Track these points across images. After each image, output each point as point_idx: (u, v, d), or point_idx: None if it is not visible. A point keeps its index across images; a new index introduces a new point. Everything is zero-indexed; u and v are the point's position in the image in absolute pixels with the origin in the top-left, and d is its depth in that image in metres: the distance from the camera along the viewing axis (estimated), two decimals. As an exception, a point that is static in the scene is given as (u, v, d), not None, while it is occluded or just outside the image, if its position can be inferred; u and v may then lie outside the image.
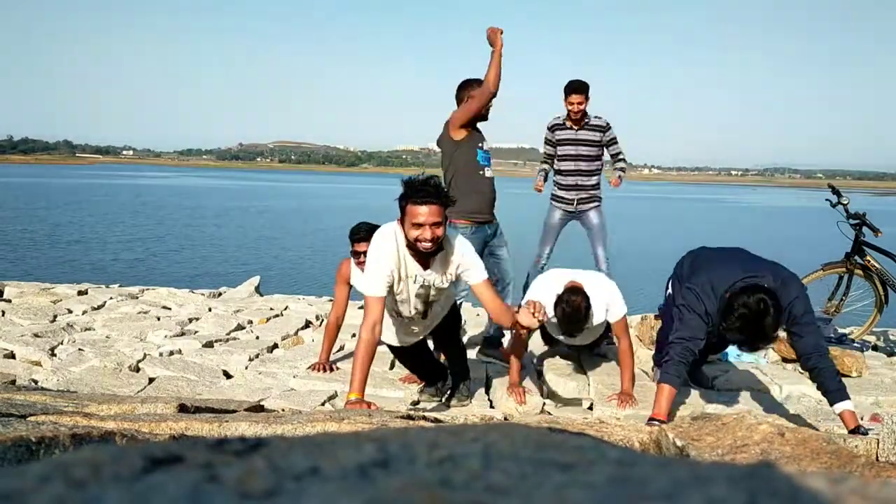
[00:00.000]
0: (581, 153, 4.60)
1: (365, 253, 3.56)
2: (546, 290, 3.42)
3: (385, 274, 2.82)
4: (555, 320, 3.49)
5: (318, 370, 3.79)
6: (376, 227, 3.31)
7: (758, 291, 2.69)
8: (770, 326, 2.67)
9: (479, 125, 3.99)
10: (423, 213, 2.72)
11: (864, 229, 4.79)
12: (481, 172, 3.91)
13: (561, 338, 3.73)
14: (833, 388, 2.82)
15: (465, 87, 3.93)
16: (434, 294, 3.02)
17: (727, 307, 2.75)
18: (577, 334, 3.45)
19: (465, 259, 2.93)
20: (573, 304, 3.25)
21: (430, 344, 3.58)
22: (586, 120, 4.58)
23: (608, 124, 4.63)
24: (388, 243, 2.83)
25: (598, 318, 3.43)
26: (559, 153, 4.67)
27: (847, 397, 2.82)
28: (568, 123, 4.57)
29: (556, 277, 3.46)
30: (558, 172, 4.71)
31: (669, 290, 3.50)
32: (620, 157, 4.69)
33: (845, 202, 4.84)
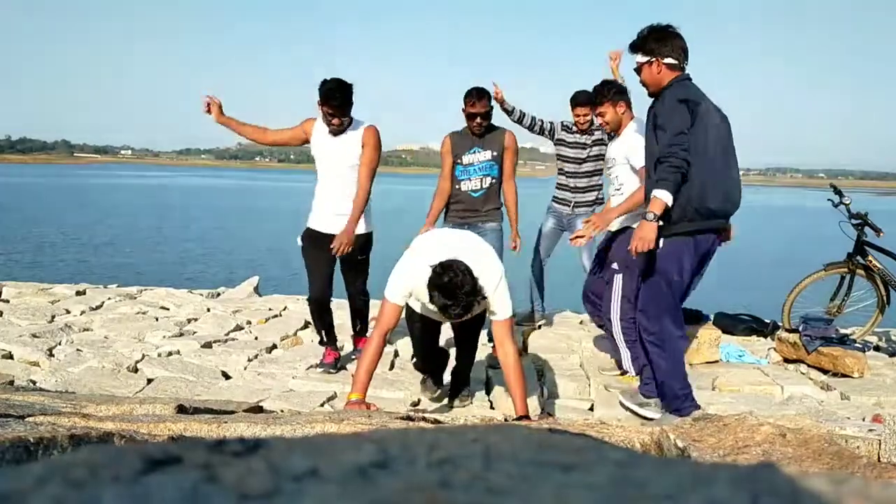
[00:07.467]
0: (580, 156, 4.64)
1: (335, 115, 3.64)
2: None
3: (405, 290, 2.81)
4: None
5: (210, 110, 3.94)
6: (351, 91, 3.57)
7: None
8: None
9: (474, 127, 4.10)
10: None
11: (867, 229, 4.78)
12: (457, 187, 4.21)
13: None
14: (658, 177, 2.88)
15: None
16: None
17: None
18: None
19: (493, 297, 2.80)
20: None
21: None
22: (593, 129, 4.63)
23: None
24: (419, 279, 2.71)
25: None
26: (562, 154, 4.70)
27: (666, 189, 2.85)
28: (576, 129, 4.64)
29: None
30: (560, 172, 4.75)
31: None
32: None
33: (847, 202, 4.84)
